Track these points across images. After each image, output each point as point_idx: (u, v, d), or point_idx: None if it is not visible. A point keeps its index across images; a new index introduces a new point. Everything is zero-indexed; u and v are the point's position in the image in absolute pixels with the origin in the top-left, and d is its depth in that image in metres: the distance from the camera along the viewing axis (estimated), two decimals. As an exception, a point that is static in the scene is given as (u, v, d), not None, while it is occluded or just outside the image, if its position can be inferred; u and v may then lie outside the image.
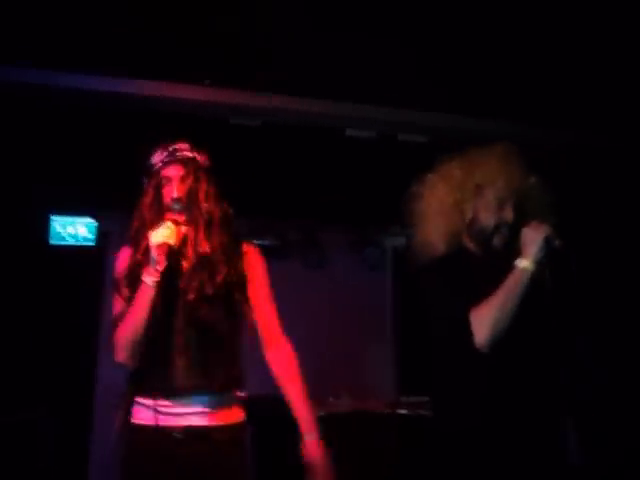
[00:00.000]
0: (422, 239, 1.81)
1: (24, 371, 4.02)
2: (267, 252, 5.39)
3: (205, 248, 1.70)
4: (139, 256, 1.68)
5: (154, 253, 1.59)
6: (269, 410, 2.66)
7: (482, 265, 1.72)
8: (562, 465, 1.63)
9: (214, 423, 1.63)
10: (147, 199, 1.74)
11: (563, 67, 3.16)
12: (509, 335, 1.57)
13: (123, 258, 1.75)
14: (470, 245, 1.77)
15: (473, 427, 1.63)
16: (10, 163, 3.81)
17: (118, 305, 1.70)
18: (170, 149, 1.75)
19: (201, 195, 1.74)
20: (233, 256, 1.74)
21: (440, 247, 1.77)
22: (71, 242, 4.51)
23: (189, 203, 1.71)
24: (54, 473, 3.50)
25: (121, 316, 1.65)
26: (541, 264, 1.59)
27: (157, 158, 1.75)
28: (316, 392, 3.70)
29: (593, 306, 3.27)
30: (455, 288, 1.66)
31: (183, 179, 1.73)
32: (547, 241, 1.58)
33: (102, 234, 4.57)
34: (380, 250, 5.11)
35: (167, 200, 1.71)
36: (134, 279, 1.65)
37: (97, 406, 4.37)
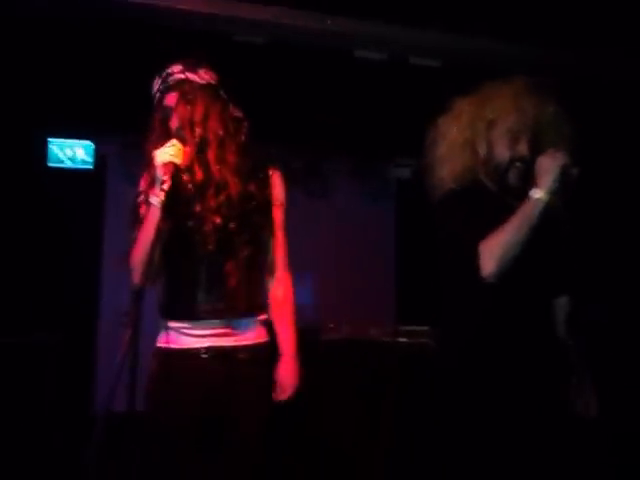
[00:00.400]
0: (437, 179, 1.77)
1: (26, 295, 4.05)
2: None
3: (217, 168, 1.65)
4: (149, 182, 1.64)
5: (159, 172, 1.55)
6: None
7: (497, 200, 1.68)
8: (565, 412, 1.64)
9: (237, 343, 1.66)
10: (155, 133, 1.69)
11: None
12: (519, 267, 1.54)
13: (142, 181, 1.72)
14: (486, 180, 1.72)
15: (477, 360, 1.62)
16: (8, 87, 3.67)
17: (130, 227, 1.69)
18: (164, 75, 1.68)
19: (196, 116, 1.66)
20: (250, 177, 1.69)
21: (454, 185, 1.72)
22: (69, 165, 4.44)
23: (195, 127, 1.65)
24: (61, 395, 3.58)
25: (133, 239, 1.64)
26: (555, 194, 1.52)
27: (155, 87, 1.71)
28: (317, 319, 3.78)
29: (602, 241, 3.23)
30: (467, 220, 1.62)
31: (176, 106, 1.66)
32: (563, 170, 1.52)
33: (100, 157, 4.49)
34: (384, 180, 5.03)
35: (173, 130, 1.67)
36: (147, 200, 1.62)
37: (101, 327, 4.43)
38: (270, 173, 1.76)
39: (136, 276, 1.61)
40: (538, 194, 1.51)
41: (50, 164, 4.39)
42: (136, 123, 1.78)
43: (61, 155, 4.45)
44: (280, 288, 1.78)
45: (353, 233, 4.98)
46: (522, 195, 1.56)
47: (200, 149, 1.65)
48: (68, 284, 4.26)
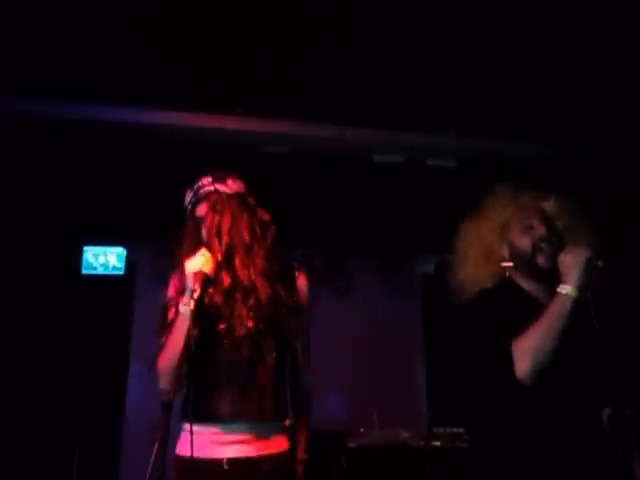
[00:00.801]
0: (460, 284, 1.80)
1: (54, 400, 4.04)
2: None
3: (226, 277, 1.68)
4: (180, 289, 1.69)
5: (189, 281, 1.59)
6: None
7: (527, 298, 1.68)
8: None
9: (259, 453, 1.62)
10: (189, 242, 1.74)
11: (592, 86, 3.11)
12: (554, 367, 1.50)
13: (171, 286, 1.76)
14: (519, 279, 1.73)
15: (519, 463, 1.55)
16: (44, 196, 3.91)
17: (158, 332, 1.71)
18: (195, 187, 1.77)
19: (224, 225, 1.72)
20: (277, 280, 1.72)
21: (483, 284, 1.75)
22: (101, 271, 4.59)
23: (221, 237, 1.71)
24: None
25: (162, 345, 1.66)
26: (584, 289, 1.52)
27: (187, 200, 1.79)
28: (346, 422, 3.65)
29: None
30: (499, 320, 1.60)
31: (205, 216, 1.74)
32: (588, 263, 1.52)
33: (131, 262, 4.64)
34: (408, 276, 5.04)
35: (204, 239, 1.74)
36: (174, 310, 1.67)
37: (126, 437, 4.35)
38: (296, 275, 1.79)
39: (163, 381, 1.63)
40: (565, 290, 1.50)
41: (84, 271, 4.55)
42: (166, 231, 1.85)
43: (94, 262, 4.62)
44: (304, 388, 1.77)
45: (380, 330, 4.91)
46: (554, 277, 1.56)
47: (227, 256, 1.69)
48: (96, 389, 4.26)
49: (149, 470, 1.29)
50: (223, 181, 1.78)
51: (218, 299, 1.68)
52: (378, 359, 4.82)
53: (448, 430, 3.20)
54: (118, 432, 4.36)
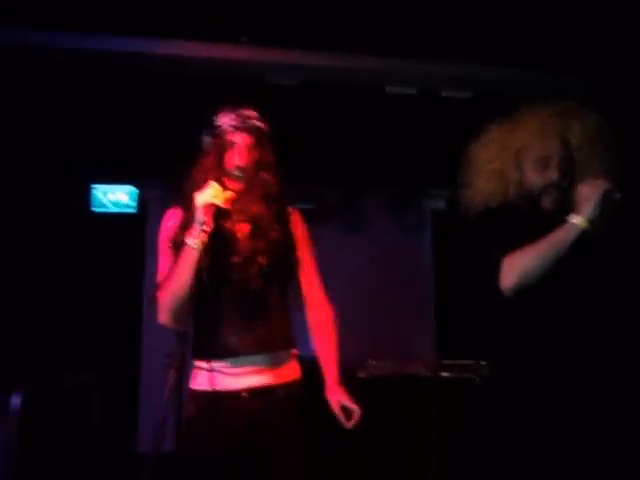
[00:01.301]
0: (468, 204, 1.78)
1: (69, 336, 4.15)
2: (305, 216, 5.36)
3: (258, 212, 1.70)
4: (190, 217, 1.65)
5: (200, 214, 1.57)
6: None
7: (531, 218, 1.67)
8: (622, 417, 1.57)
9: (276, 381, 1.67)
10: (209, 161, 1.72)
11: (610, 15, 2.95)
12: (556, 287, 1.52)
13: (171, 217, 1.74)
14: (520, 203, 1.72)
15: (518, 382, 1.58)
16: (52, 133, 3.86)
17: (164, 266, 1.69)
18: (241, 115, 1.72)
19: (264, 166, 1.74)
20: (282, 221, 1.76)
21: (490, 201, 1.72)
22: (113, 209, 4.58)
23: (251, 172, 1.71)
24: (104, 436, 3.62)
25: (166, 277, 1.64)
26: (595, 223, 1.50)
27: (226, 121, 1.72)
28: (357, 355, 3.73)
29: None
30: (498, 235, 1.61)
31: (250, 148, 1.71)
32: (605, 197, 1.49)
33: (142, 201, 4.62)
34: (419, 212, 5.01)
35: (229, 166, 1.70)
36: (182, 240, 1.63)
37: (143, 369, 4.49)
38: (289, 213, 1.83)
39: (164, 317, 1.62)
40: (576, 220, 1.49)
41: (94, 209, 4.54)
42: (176, 167, 1.82)
43: (104, 200, 4.61)
44: (321, 313, 1.83)
45: (391, 266, 4.93)
46: (557, 219, 1.55)
47: (263, 194, 1.72)
48: (111, 324, 4.36)
49: (165, 397, 1.31)
50: (262, 120, 1.77)
51: (231, 233, 1.69)
52: (389, 295, 4.86)
53: (457, 362, 3.26)
54: (136, 365, 4.49)
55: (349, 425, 1.69)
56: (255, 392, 1.64)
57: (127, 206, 4.56)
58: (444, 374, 3.17)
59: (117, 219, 4.57)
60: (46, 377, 3.15)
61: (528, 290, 1.52)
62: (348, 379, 3.13)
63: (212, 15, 3.01)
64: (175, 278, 1.59)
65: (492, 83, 3.24)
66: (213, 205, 1.57)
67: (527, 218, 1.66)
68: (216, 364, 1.64)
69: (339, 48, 3.17)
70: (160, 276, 1.68)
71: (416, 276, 5.07)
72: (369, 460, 3.01)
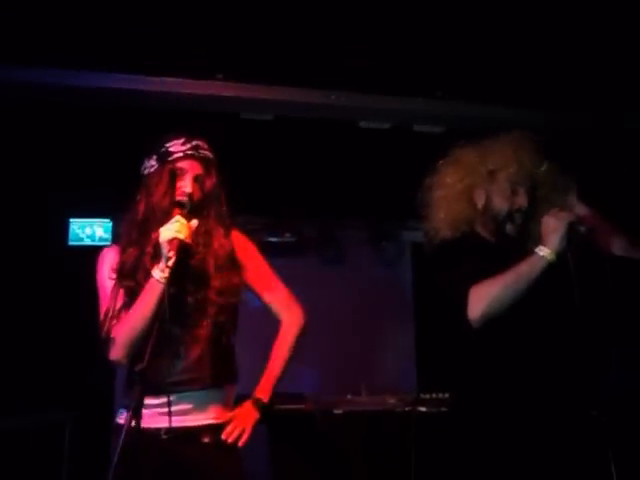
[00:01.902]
0: (433, 225, 1.79)
1: (43, 372, 4.05)
2: (283, 249, 5.34)
3: (226, 248, 1.69)
4: (148, 248, 1.63)
5: (165, 249, 1.54)
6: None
7: (493, 250, 1.69)
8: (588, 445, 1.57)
9: (200, 423, 1.59)
10: (160, 187, 1.68)
11: (580, 51, 3.05)
12: (520, 317, 1.53)
13: (111, 253, 1.73)
14: (482, 231, 1.74)
15: (482, 414, 1.58)
16: (30, 170, 3.86)
17: (111, 299, 1.64)
18: (193, 144, 1.72)
19: (213, 195, 1.73)
20: (224, 247, 1.72)
21: (450, 233, 1.73)
22: (89, 242, 4.57)
23: (203, 202, 1.70)
24: (77, 473, 3.51)
25: (117, 312, 1.60)
26: (562, 255, 1.51)
27: (178, 147, 1.71)
28: (334, 389, 3.68)
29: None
30: (461, 266, 1.61)
31: (199, 178, 1.70)
32: (571, 229, 1.50)
33: (117, 234, 4.60)
34: (398, 244, 5.03)
35: (179, 193, 1.67)
36: (138, 271, 1.60)
37: (117, 407, 4.37)
38: (233, 237, 1.77)
39: (118, 352, 1.58)
40: (543, 252, 1.51)
41: (71, 242, 4.53)
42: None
43: (81, 234, 4.60)
44: (286, 316, 1.78)
45: (371, 298, 4.92)
46: (518, 246, 1.56)
47: (215, 225, 1.70)
48: (85, 360, 4.26)
49: (120, 444, 1.26)
50: (210, 149, 1.76)
51: (193, 268, 1.64)
52: (368, 328, 4.84)
53: (434, 396, 3.23)
54: (111, 404, 4.38)
55: (225, 436, 1.59)
56: (176, 434, 1.55)
57: (102, 239, 4.54)
58: (421, 408, 3.13)
59: (93, 252, 4.53)
60: (13, 416, 3.05)
61: (494, 320, 1.53)
62: (324, 415, 3.12)
63: (189, 53, 3.05)
64: (137, 312, 1.55)
65: (464, 118, 3.30)
66: (177, 239, 1.54)
67: (491, 248, 1.69)
68: (138, 399, 1.53)
69: (313, 84, 3.22)
70: (104, 312, 1.63)
71: (396, 308, 5.05)
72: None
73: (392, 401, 3.22)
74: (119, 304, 1.63)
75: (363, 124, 3.39)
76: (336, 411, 3.03)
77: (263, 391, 1.70)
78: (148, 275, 1.58)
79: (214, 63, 3.11)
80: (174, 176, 1.67)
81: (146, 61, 3.12)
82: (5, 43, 2.93)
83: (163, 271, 1.53)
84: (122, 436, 1.32)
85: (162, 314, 1.51)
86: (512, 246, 1.61)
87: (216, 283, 1.64)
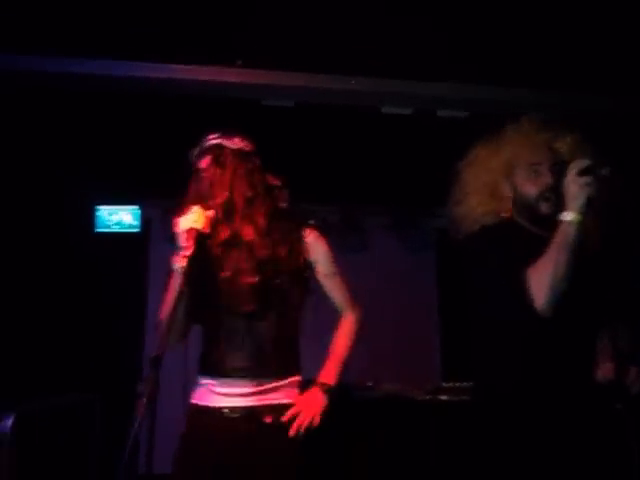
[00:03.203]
0: (460, 218, 1.78)
1: (74, 356, 4.17)
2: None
3: (226, 229, 1.70)
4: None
5: (181, 239, 1.59)
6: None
7: (529, 233, 1.66)
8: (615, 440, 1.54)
9: (262, 403, 1.66)
10: (190, 197, 1.75)
11: (600, 33, 2.94)
12: (568, 296, 1.48)
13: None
14: (520, 220, 1.71)
15: (522, 396, 1.55)
16: (58, 157, 3.94)
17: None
18: (202, 141, 1.79)
19: (225, 178, 1.72)
20: (281, 241, 1.73)
21: (476, 226, 1.71)
22: (117, 229, 4.65)
23: (211, 189, 1.72)
24: (105, 456, 3.61)
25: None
26: (586, 213, 1.47)
27: (194, 155, 1.80)
28: (357, 376, 3.69)
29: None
30: (507, 249, 1.58)
31: (207, 168, 1.75)
32: (588, 174, 1.47)
33: (145, 221, 4.67)
34: (422, 231, 4.98)
35: (203, 192, 1.74)
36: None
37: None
38: (305, 235, 1.79)
39: (162, 336, 1.61)
40: (568, 216, 1.48)
41: (98, 229, 4.61)
42: (177, 187, 1.84)
43: (109, 221, 4.67)
44: (343, 319, 1.86)
45: (394, 286, 4.90)
46: (556, 225, 1.53)
47: (226, 210, 1.70)
48: (115, 344, 4.37)
49: (134, 427, 1.29)
50: (230, 138, 1.78)
51: (216, 251, 1.69)
52: (392, 316, 4.82)
53: (457, 385, 3.21)
54: (137, 384, 4.48)
55: (291, 432, 1.63)
56: (239, 412, 1.65)
57: (131, 226, 4.61)
58: (442, 397, 3.11)
59: (121, 239, 4.62)
60: (42, 398, 3.14)
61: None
62: (344, 400, 3.12)
63: (208, 40, 3.06)
64: (164, 302, 1.64)
65: (487, 102, 3.23)
66: (194, 230, 1.58)
67: (525, 232, 1.67)
68: (207, 381, 1.69)
69: (335, 70, 3.19)
70: None
71: (420, 296, 5.02)
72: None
73: (413, 389, 3.21)
74: None
75: (385, 109, 3.35)
76: (358, 398, 3.05)
77: (328, 376, 1.75)
78: None
79: (234, 50, 3.11)
80: (198, 180, 1.77)
81: (167, 49, 3.14)
82: (47, 33, 2.98)
83: (179, 262, 1.58)
84: (137, 421, 1.34)
85: (179, 300, 1.56)
86: (552, 227, 1.57)
87: (244, 264, 1.68)
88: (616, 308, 1.51)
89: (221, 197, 1.71)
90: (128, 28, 3.00)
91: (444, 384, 3.29)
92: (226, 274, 1.68)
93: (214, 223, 1.68)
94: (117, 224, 4.67)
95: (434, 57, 3.07)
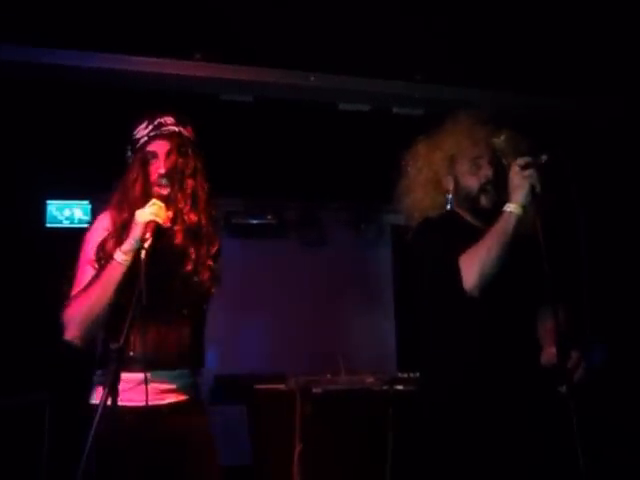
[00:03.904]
0: (405, 211, 1.86)
1: (23, 354, 4.03)
2: (265, 231, 5.33)
3: (194, 218, 1.66)
4: (118, 231, 1.61)
5: (140, 231, 1.51)
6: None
7: (470, 226, 1.74)
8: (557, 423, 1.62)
9: (160, 402, 1.59)
10: (132, 174, 1.67)
11: (556, 34, 3.08)
12: (500, 283, 1.56)
13: (98, 229, 1.69)
14: (461, 212, 1.79)
15: (464, 381, 1.62)
16: (6, 151, 3.79)
17: (82, 278, 1.62)
18: (155, 123, 1.68)
19: (187, 170, 1.69)
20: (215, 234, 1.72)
21: (420, 218, 1.79)
22: (67, 224, 4.52)
23: (175, 179, 1.66)
24: (58, 455, 3.52)
25: (82, 290, 1.58)
26: (527, 207, 1.55)
27: (142, 132, 1.69)
28: (315, 369, 3.73)
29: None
30: (445, 241, 1.66)
31: (169, 154, 1.66)
32: (534, 163, 1.53)
33: (96, 215, 4.56)
34: (378, 226, 5.06)
35: (153, 176, 1.65)
36: (107, 254, 1.58)
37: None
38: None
39: (73, 331, 1.55)
40: (510, 208, 1.55)
41: (49, 225, 4.47)
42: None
43: (59, 216, 4.55)
44: None
45: (351, 280, 4.97)
46: (494, 217, 1.60)
47: (193, 201, 1.67)
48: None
49: (95, 421, 1.26)
50: (185, 126, 1.72)
51: (174, 249, 1.63)
52: (349, 309, 4.90)
53: (412, 375, 3.29)
54: (88, 382, 4.38)
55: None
56: (139, 410, 1.54)
57: (81, 221, 4.50)
58: (398, 387, 3.19)
59: (71, 234, 4.50)
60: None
61: (486, 289, 1.56)
62: (303, 394, 3.16)
63: (168, 32, 3.01)
64: (96, 292, 1.53)
65: (443, 101, 3.33)
66: (154, 222, 1.53)
67: (467, 225, 1.75)
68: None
69: (293, 65, 3.21)
70: (77, 288, 1.61)
71: (377, 289, 5.11)
72: (323, 476, 3.00)
73: (370, 380, 3.28)
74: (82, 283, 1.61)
75: (342, 106, 3.39)
76: (315, 390, 3.08)
77: None
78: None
79: (193, 43, 3.07)
80: (145, 162, 1.66)
81: (125, 40, 3.08)
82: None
83: (128, 253, 1.51)
84: (99, 412, 1.31)
85: (139, 295, 1.47)
86: (490, 219, 1.64)
87: (190, 264, 1.64)
88: (555, 293, 1.60)
89: (185, 188, 1.66)
90: (83, 18, 2.92)
91: (400, 374, 3.37)
92: (187, 268, 1.63)
93: (176, 215, 1.63)
94: (68, 219, 4.55)
95: (391, 55, 3.13)
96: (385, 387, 3.16)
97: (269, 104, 3.44)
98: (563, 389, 1.63)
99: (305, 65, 3.19)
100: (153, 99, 3.35)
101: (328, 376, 3.33)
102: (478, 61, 3.24)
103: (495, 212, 1.61)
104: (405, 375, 3.32)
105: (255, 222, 4.68)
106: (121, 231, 1.59)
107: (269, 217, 4.74)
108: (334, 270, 4.91)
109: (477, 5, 2.89)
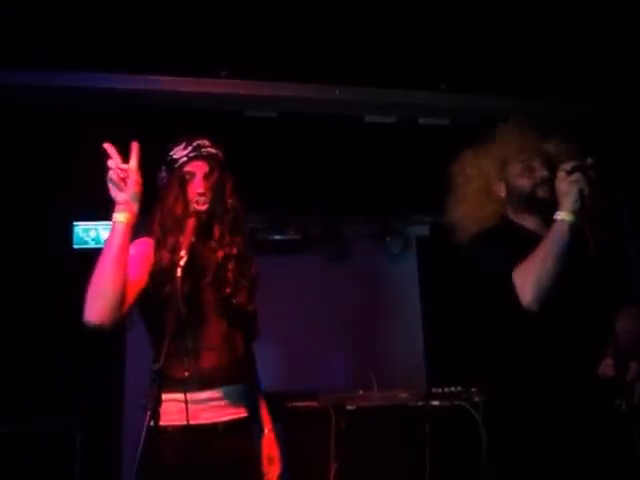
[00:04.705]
0: (460, 223, 1.81)
1: (52, 377, 4.04)
2: (288, 246, 5.29)
3: (234, 244, 1.71)
4: (166, 253, 1.65)
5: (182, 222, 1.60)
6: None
7: (528, 234, 1.69)
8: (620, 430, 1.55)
9: (216, 420, 1.61)
10: (171, 195, 1.71)
11: (582, 41, 3.04)
12: (562, 295, 1.51)
13: (143, 245, 1.74)
14: (518, 218, 1.74)
15: (531, 401, 1.57)
16: (33, 174, 3.85)
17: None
18: (194, 144, 1.74)
19: (227, 190, 1.75)
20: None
21: (476, 228, 1.75)
22: (94, 245, 4.55)
23: (214, 199, 1.71)
24: (89, 478, 3.50)
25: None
26: (579, 213, 1.50)
27: (180, 153, 1.74)
28: (345, 386, 3.67)
29: None
30: (503, 254, 1.60)
31: (207, 175, 1.71)
32: (580, 167, 1.49)
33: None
34: (403, 239, 5.01)
35: (192, 195, 1.69)
36: (160, 275, 1.62)
37: (126, 409, 4.36)
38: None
39: (89, 313, 1.57)
40: (561, 216, 1.51)
41: (75, 246, 4.51)
42: (155, 204, 1.81)
43: (86, 237, 4.59)
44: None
45: (377, 294, 4.91)
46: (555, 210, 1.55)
47: (234, 220, 1.73)
48: (94, 364, 4.25)
49: (141, 444, 1.25)
50: (219, 148, 1.78)
51: (212, 262, 1.67)
52: (375, 324, 4.83)
53: (446, 390, 3.22)
54: (119, 406, 4.36)
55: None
56: (192, 429, 1.54)
57: (108, 242, 4.52)
58: (434, 402, 3.12)
59: (98, 255, 4.52)
60: (21, 422, 3.03)
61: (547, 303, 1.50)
62: (337, 411, 3.11)
63: (192, 51, 3.04)
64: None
65: (469, 111, 3.30)
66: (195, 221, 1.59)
67: (525, 233, 1.69)
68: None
69: (317, 80, 3.21)
70: None
71: (403, 303, 5.04)
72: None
73: (404, 395, 3.21)
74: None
75: (368, 118, 3.38)
76: (349, 407, 3.03)
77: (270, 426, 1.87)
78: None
79: (217, 61, 3.09)
80: (183, 181, 1.70)
81: (149, 60, 3.11)
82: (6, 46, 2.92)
83: (124, 210, 1.62)
84: (143, 435, 1.29)
85: (177, 313, 1.46)
86: (552, 212, 1.57)
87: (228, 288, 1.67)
88: (615, 305, 1.54)
89: (226, 206, 1.72)
90: (107, 39, 2.96)
91: (433, 390, 3.30)
92: (214, 283, 1.66)
93: (222, 235, 1.69)
94: (94, 240, 4.58)
95: (416, 66, 3.11)
96: (421, 403, 3.09)
97: (293, 119, 3.44)
98: (620, 402, 1.57)
99: (330, 78, 3.19)
100: (177, 117, 3.37)
101: (360, 392, 3.28)
102: (503, 69, 3.21)
103: (556, 205, 1.56)
104: (440, 390, 3.25)
105: (278, 238, 4.67)
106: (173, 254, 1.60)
107: (291, 232, 4.72)
108: (359, 284, 4.86)
109: (501, 13, 2.88)
